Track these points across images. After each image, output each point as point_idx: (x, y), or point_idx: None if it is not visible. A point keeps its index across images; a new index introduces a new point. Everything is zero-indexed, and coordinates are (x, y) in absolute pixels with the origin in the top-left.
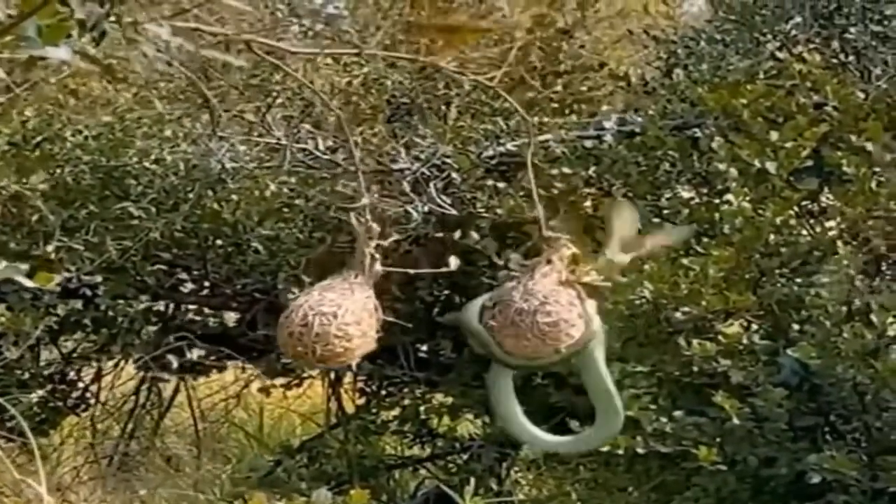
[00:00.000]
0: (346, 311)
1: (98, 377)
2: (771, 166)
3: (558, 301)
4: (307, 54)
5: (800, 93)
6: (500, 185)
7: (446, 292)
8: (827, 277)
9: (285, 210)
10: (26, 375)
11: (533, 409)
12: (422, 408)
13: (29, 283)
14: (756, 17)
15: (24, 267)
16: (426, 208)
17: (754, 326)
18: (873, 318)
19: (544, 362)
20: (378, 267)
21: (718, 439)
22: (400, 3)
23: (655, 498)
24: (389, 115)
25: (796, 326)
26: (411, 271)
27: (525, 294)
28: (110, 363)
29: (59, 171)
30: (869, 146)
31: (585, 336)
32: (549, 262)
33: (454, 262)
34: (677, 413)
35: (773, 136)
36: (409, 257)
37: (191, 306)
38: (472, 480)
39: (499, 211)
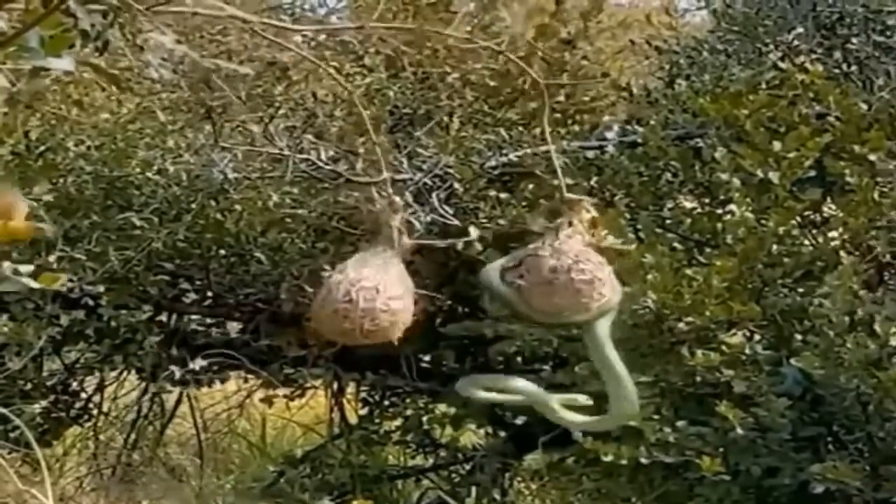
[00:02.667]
0: (388, 286)
1: (101, 388)
2: (773, 176)
3: (590, 260)
4: (306, 30)
5: (802, 103)
6: (503, 195)
7: (449, 303)
8: (830, 288)
9: (288, 220)
10: (29, 386)
11: (537, 419)
12: (424, 418)
13: (34, 284)
14: (758, 28)
15: (29, 268)
16: (429, 218)
17: (757, 336)
18: (876, 328)
19: (569, 321)
20: (406, 240)
21: (721, 449)
22: (402, 14)
23: None
24: (392, 126)
25: (799, 336)
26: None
27: (556, 252)
28: (113, 374)
29: (61, 180)
30: (872, 156)
31: (614, 298)
32: (570, 224)
33: (474, 232)
34: (680, 423)
35: (776, 146)
36: (410, 267)
37: (193, 317)
38: (475, 491)
39: (501, 221)
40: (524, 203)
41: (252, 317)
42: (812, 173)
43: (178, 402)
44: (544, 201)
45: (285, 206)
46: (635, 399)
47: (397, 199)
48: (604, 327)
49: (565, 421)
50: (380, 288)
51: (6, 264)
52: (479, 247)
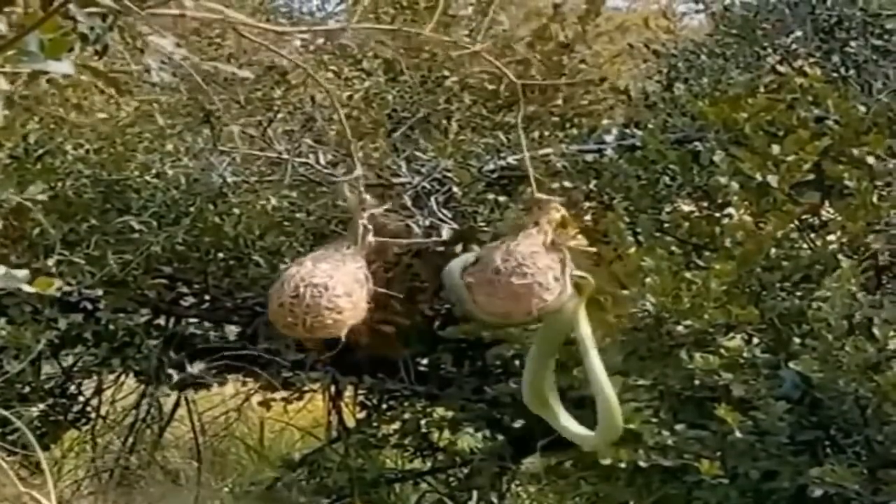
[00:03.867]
0: (338, 283)
1: (99, 391)
2: (772, 180)
3: (535, 264)
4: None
5: (801, 106)
6: (501, 198)
7: (447, 306)
8: (828, 291)
9: (286, 224)
10: (27, 389)
11: (534, 423)
12: (422, 421)
13: (28, 289)
14: (757, 31)
15: (24, 273)
16: (427, 222)
17: (756, 340)
18: (875, 331)
19: (516, 322)
20: (371, 238)
21: (720, 453)
22: (401, 18)
23: None
24: (390, 130)
25: (798, 340)
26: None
27: (505, 254)
28: (111, 377)
29: (60, 184)
30: (870, 160)
31: (560, 300)
32: (536, 223)
33: (446, 232)
34: (679, 426)
35: (775, 149)
36: (409, 271)
37: (192, 320)
38: (474, 494)
39: (500, 224)
40: (522, 206)
41: (250, 320)
42: (811, 177)
43: (177, 405)
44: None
45: (283, 209)
46: (619, 421)
47: (367, 196)
48: (587, 335)
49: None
50: (329, 285)
51: (1, 268)
52: (476, 249)
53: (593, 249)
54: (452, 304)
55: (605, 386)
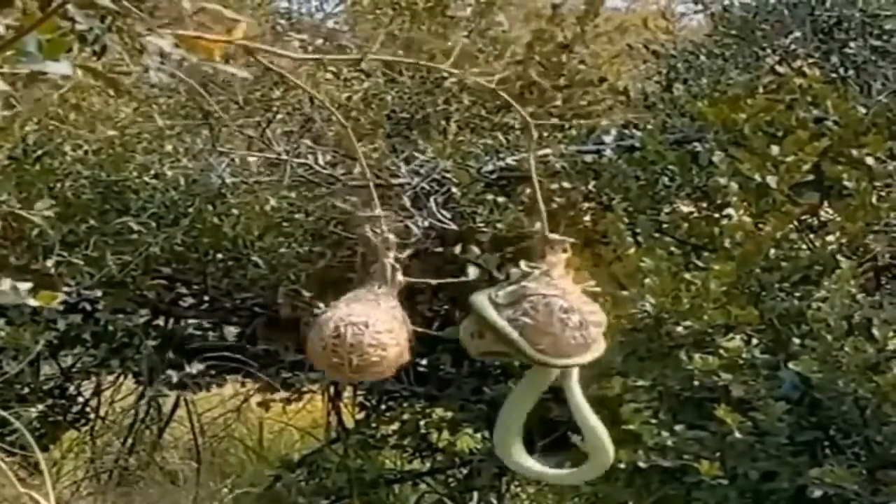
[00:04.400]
0: (377, 321)
1: (98, 392)
2: (771, 180)
3: (589, 301)
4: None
5: (800, 107)
6: (500, 199)
7: (446, 307)
8: (828, 292)
9: (285, 224)
10: (26, 390)
11: (533, 424)
12: (421, 422)
13: (33, 303)
14: (756, 32)
15: (27, 286)
16: (426, 223)
17: (755, 340)
18: (874, 331)
19: (571, 363)
20: (400, 277)
21: (719, 453)
22: (400, 19)
23: None
24: (389, 130)
25: (797, 340)
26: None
27: (560, 292)
28: (110, 378)
29: (59, 185)
30: (869, 160)
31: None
32: (554, 264)
33: (473, 272)
34: (678, 427)
35: (774, 150)
36: (408, 272)
37: (190, 321)
38: (473, 495)
39: (499, 225)
40: (521, 207)
41: (249, 321)
42: (810, 177)
43: (175, 406)
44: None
45: (282, 210)
46: (610, 449)
47: (391, 236)
48: (574, 383)
49: (533, 472)
50: (369, 322)
51: (6, 281)
52: (476, 251)
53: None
54: (471, 349)
55: (590, 415)
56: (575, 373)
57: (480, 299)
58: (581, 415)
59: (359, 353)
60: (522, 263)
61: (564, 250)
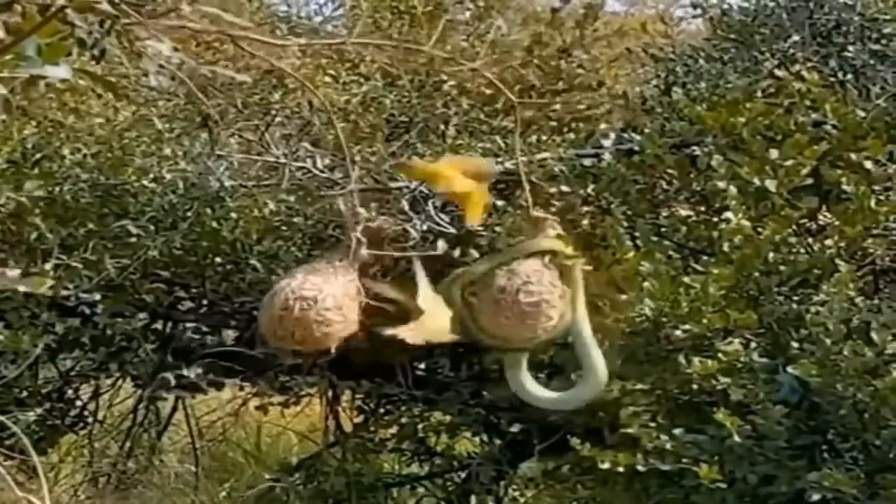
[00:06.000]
0: (327, 296)
1: (96, 395)
2: (770, 184)
3: (541, 281)
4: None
5: (798, 111)
6: (499, 202)
7: None
8: (826, 296)
9: (284, 228)
10: (24, 394)
11: (532, 427)
12: (420, 426)
13: (23, 288)
14: (754, 36)
15: (16, 271)
16: (425, 226)
17: (754, 344)
18: (873, 335)
19: (513, 345)
20: (363, 251)
21: (718, 457)
22: (399, 22)
23: None
24: (388, 134)
25: (796, 344)
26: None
27: (508, 273)
28: (108, 381)
29: (57, 188)
30: (868, 164)
31: (564, 321)
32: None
33: (441, 245)
34: (677, 431)
35: (773, 154)
36: (407, 274)
37: (189, 324)
38: (472, 499)
39: (497, 229)
40: (520, 210)
41: (248, 325)
42: (808, 181)
43: (174, 409)
44: (540, 209)
45: (281, 213)
46: (604, 374)
47: (361, 210)
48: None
49: (530, 396)
50: (318, 298)
51: None
52: (475, 254)
53: (588, 268)
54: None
55: (592, 346)
56: (581, 308)
57: (456, 273)
58: (583, 345)
59: (303, 328)
60: (501, 241)
61: (552, 227)
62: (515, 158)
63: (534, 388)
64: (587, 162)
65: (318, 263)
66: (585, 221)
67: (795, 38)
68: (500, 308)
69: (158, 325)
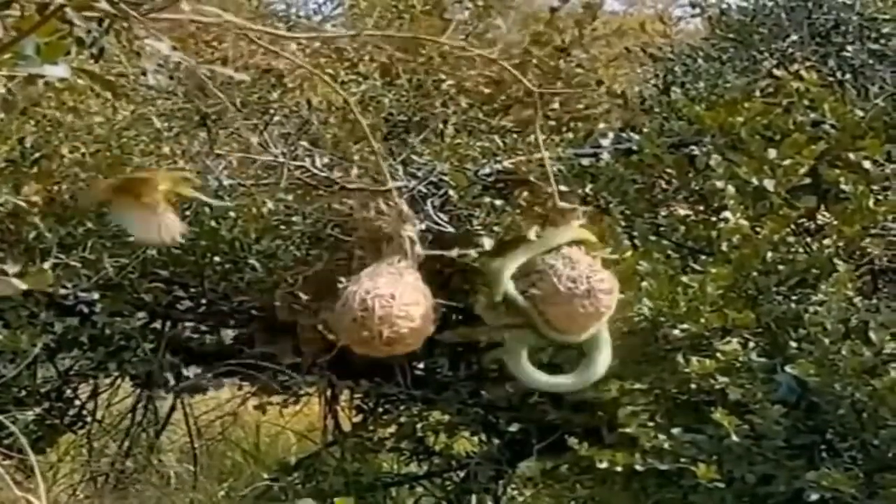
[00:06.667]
0: (403, 293)
1: (95, 395)
2: (768, 184)
3: (601, 269)
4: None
5: (797, 111)
6: (498, 202)
7: (443, 310)
8: (825, 295)
9: (282, 227)
10: (23, 393)
11: (530, 427)
12: (418, 425)
13: (23, 286)
14: (753, 35)
15: (16, 268)
16: (423, 226)
17: (752, 344)
18: (871, 335)
19: (580, 336)
20: (419, 249)
21: (716, 456)
22: (398, 22)
23: None
24: (386, 133)
25: (794, 344)
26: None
27: (566, 261)
28: (107, 381)
29: (56, 187)
30: (867, 164)
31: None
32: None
33: (487, 242)
34: (675, 430)
35: (771, 153)
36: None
37: (188, 324)
38: (471, 498)
39: (496, 228)
40: (518, 210)
41: (246, 324)
42: (807, 181)
43: (172, 409)
44: (538, 208)
45: (280, 213)
46: (608, 356)
47: (406, 208)
48: None
49: (532, 379)
50: (395, 294)
51: None
52: (473, 254)
53: (615, 256)
54: (489, 319)
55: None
56: None
57: (496, 267)
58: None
59: (389, 325)
60: (532, 232)
61: (578, 219)
62: (530, 154)
63: (535, 372)
64: (586, 161)
65: (375, 268)
66: (583, 221)
67: (794, 37)
68: (574, 297)
69: (157, 325)
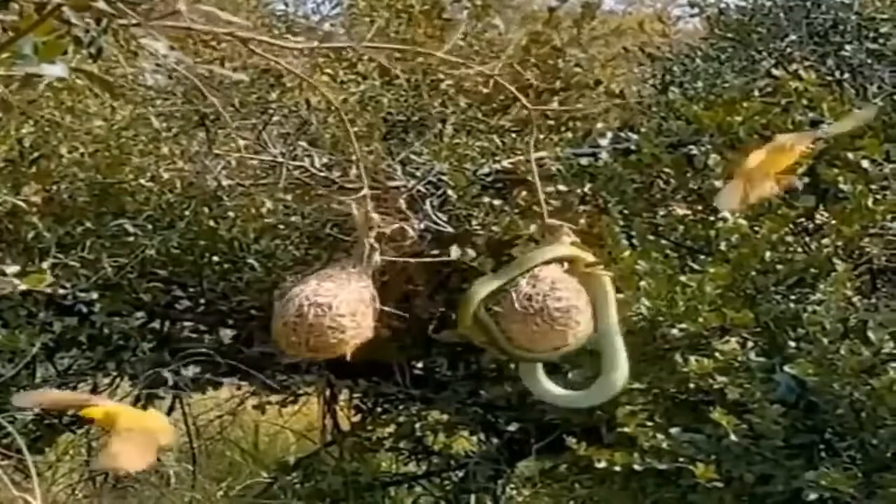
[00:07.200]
0: (342, 303)
1: (93, 394)
2: None
3: (567, 287)
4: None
5: (796, 110)
6: (496, 202)
7: (442, 309)
8: (823, 295)
9: (281, 227)
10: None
11: (529, 426)
12: (417, 425)
13: (22, 285)
14: (751, 35)
15: (15, 268)
16: (422, 226)
17: (750, 343)
18: (870, 334)
19: (542, 356)
20: (377, 257)
21: (715, 456)
22: (396, 21)
23: None
24: (385, 133)
25: (793, 343)
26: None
27: (532, 279)
28: (106, 380)
29: (55, 187)
30: (865, 163)
31: (590, 328)
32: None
33: (455, 251)
34: (674, 430)
35: None
36: (404, 274)
37: (187, 323)
38: (470, 498)
39: (495, 228)
40: (517, 210)
41: (245, 324)
42: (805, 180)
43: (171, 408)
44: (537, 208)
45: (279, 213)
46: (625, 370)
47: (374, 215)
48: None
49: (549, 395)
50: (333, 304)
51: None
52: (472, 253)
53: (609, 274)
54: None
55: (617, 336)
56: (614, 316)
57: (469, 293)
58: (614, 352)
59: (317, 335)
60: (516, 250)
61: (567, 235)
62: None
63: (550, 386)
64: (584, 161)
65: (331, 269)
66: (582, 221)
67: (792, 37)
68: (528, 316)
69: (156, 324)
